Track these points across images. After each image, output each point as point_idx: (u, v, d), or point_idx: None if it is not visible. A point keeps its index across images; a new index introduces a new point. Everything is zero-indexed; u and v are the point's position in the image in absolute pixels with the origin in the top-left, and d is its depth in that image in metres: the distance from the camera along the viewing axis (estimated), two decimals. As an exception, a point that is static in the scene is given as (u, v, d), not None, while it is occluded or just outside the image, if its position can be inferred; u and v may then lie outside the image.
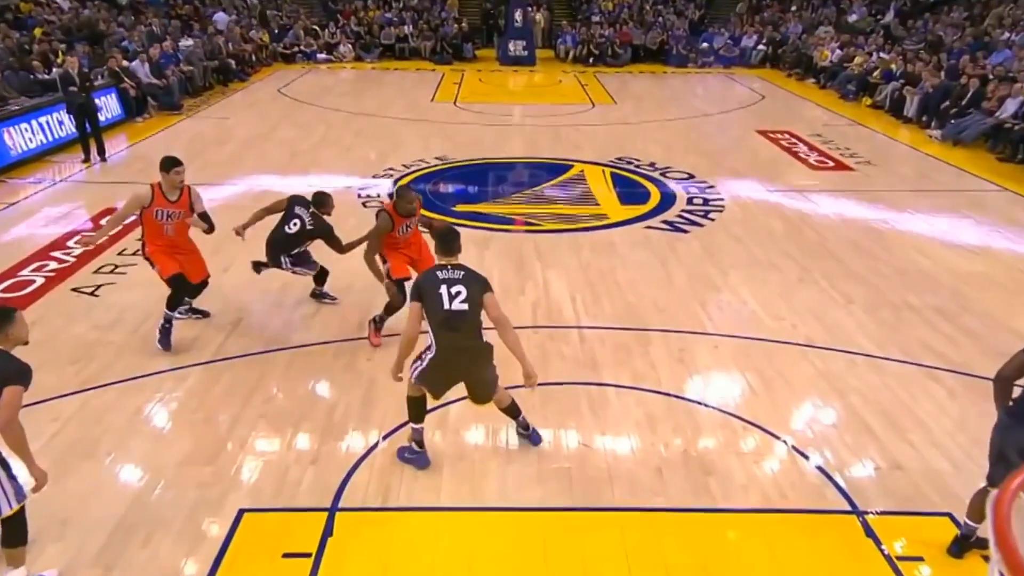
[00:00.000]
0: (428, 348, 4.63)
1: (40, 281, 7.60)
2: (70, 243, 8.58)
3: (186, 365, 6.08)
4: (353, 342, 6.50)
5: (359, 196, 10.60)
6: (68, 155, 12.44)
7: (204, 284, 6.49)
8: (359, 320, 6.95)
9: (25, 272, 7.81)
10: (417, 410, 4.81)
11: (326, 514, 4.44)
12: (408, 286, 5.48)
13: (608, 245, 8.95)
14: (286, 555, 4.11)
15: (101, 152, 12.26)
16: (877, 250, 8.85)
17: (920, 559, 4.19)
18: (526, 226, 9.70)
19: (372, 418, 5.43)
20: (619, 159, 12.60)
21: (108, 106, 14.40)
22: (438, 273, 4.59)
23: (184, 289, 6.27)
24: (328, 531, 4.32)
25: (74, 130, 12.49)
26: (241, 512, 4.46)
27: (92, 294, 7.37)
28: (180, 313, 6.49)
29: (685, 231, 9.45)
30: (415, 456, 4.88)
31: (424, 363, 4.62)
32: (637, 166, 12.22)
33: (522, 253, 8.70)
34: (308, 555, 4.10)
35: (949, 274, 8.15)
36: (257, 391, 5.74)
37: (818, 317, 7.11)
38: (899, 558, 4.17)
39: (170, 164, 5.97)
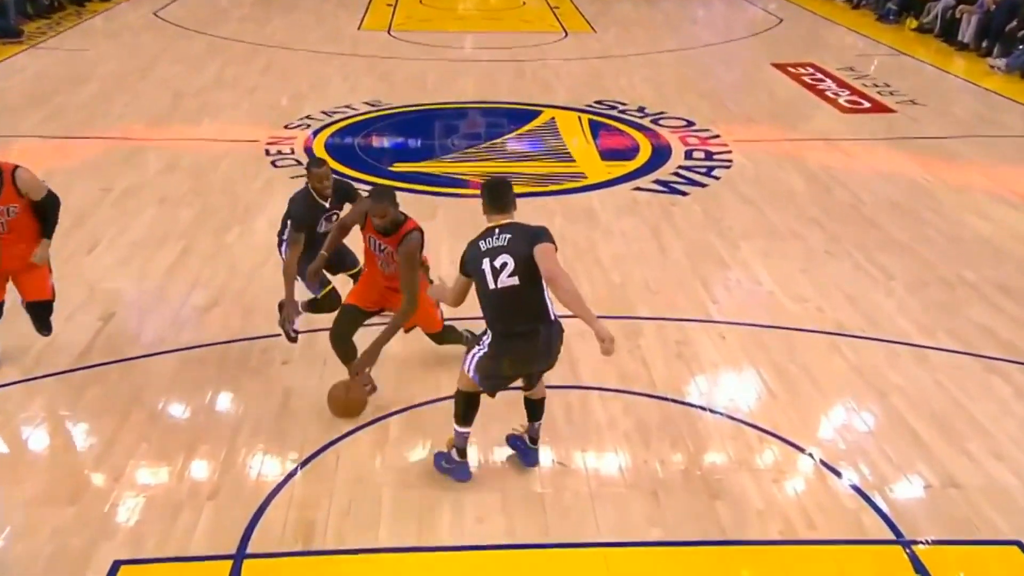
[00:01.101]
0: (484, 335, 4.71)
1: None
2: None
3: (37, 376, 5.95)
4: (263, 340, 6.41)
5: (267, 153, 10.47)
6: None
7: (44, 308, 5.97)
8: (271, 310, 6.85)
9: None
10: (467, 408, 4.89)
11: (230, 563, 4.37)
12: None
13: (587, 212, 8.96)
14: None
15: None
16: (925, 213, 8.99)
17: (981, 598, 4.26)
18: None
19: (289, 437, 5.36)
20: (599, 103, 12.61)
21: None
22: (481, 243, 4.63)
23: None
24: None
25: None
26: (116, 565, 4.35)
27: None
28: None
29: (683, 193, 9.50)
30: (453, 466, 4.95)
31: (482, 350, 4.67)
32: (622, 111, 12.25)
33: (478, 224, 8.59)
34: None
35: (1016, 241, 8.31)
36: (135, 407, 5.63)
37: (851, 298, 7.19)
38: (955, 597, 4.25)
39: None
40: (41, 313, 5.89)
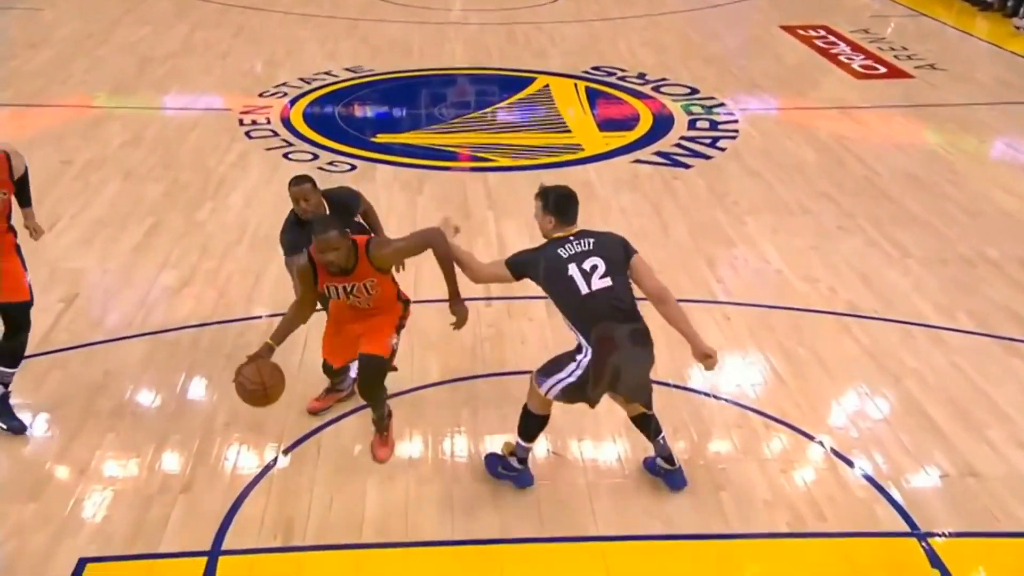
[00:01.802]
0: (579, 351, 4.48)
1: None
2: None
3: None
4: (238, 323, 6.42)
5: (241, 123, 10.44)
6: None
7: (22, 309, 5.25)
8: (246, 292, 6.86)
9: None
10: (537, 428, 4.81)
11: (204, 559, 4.39)
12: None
13: (584, 186, 8.93)
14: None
15: None
16: (944, 186, 9.03)
17: (1001, 593, 4.32)
18: (473, 162, 9.63)
19: (267, 426, 5.37)
20: (596, 69, 12.58)
21: None
22: (559, 251, 4.52)
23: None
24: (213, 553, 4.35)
25: None
26: (82, 563, 4.37)
27: None
28: None
29: (687, 165, 9.51)
30: (514, 473, 4.88)
31: (576, 372, 4.48)
32: (621, 78, 12.22)
33: (468, 199, 8.67)
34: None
35: (1039, 216, 8.36)
36: (101, 395, 5.65)
37: (864, 277, 7.23)
38: (973, 593, 4.30)
39: None
40: (18, 316, 5.21)
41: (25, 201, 5.40)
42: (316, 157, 9.54)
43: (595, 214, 8.28)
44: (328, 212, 5.24)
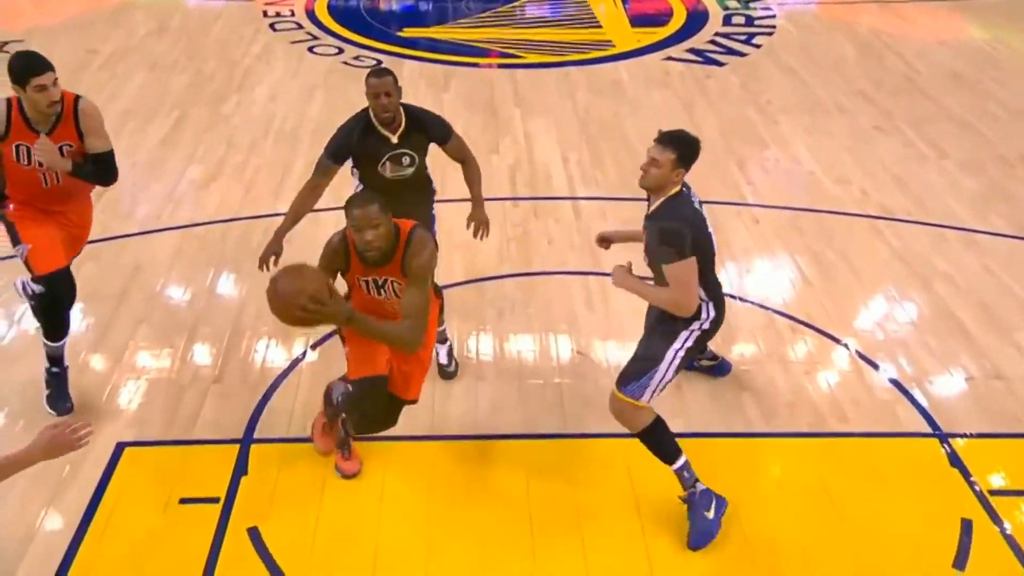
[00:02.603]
0: (697, 316, 4.04)
1: None
2: None
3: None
4: (266, 219, 6.50)
5: (265, 15, 10.38)
6: None
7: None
8: (272, 188, 6.92)
9: None
10: (667, 438, 4.10)
11: (237, 447, 4.55)
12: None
13: (614, 84, 8.89)
14: (185, 500, 4.24)
15: None
16: (988, 84, 8.88)
17: (1022, 493, 4.40)
18: (500, 59, 9.54)
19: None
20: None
21: None
22: (697, 208, 4.03)
23: (68, 294, 4.71)
24: (241, 469, 4.43)
25: None
26: (120, 447, 4.54)
27: None
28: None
29: (720, 63, 9.39)
30: (712, 501, 4.06)
31: (691, 337, 4.08)
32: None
33: (495, 97, 8.62)
34: (215, 500, 4.23)
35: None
36: (134, 287, 5.76)
37: (898, 179, 7.19)
38: (993, 492, 4.38)
39: (25, 71, 4.15)
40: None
41: (87, 175, 4.55)
42: (341, 51, 9.49)
43: (625, 113, 8.26)
44: (406, 127, 4.61)
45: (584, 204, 6.81)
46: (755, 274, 6.06)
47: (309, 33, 9.94)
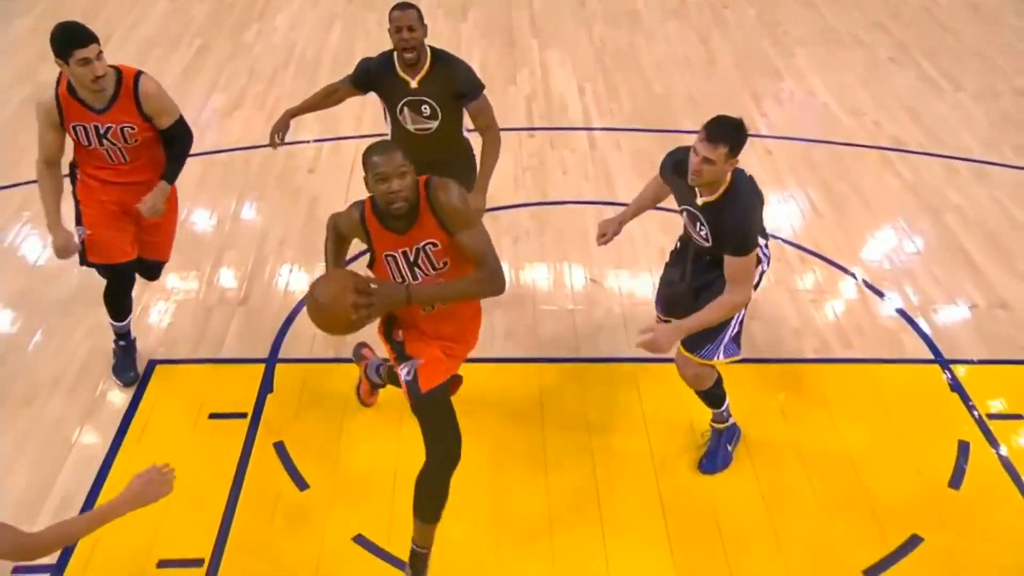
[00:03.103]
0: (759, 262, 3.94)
1: None
2: None
3: (62, 174, 6.10)
4: (287, 146, 6.52)
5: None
6: None
7: (157, 267, 4.67)
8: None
9: None
10: (722, 387, 4.11)
11: (263, 366, 4.67)
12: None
13: (629, 14, 8.83)
14: (213, 415, 4.37)
15: None
16: (1010, 17, 8.78)
17: (1018, 417, 4.49)
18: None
19: (317, 248, 5.51)
20: None
21: None
22: (746, 173, 3.88)
23: (128, 278, 4.49)
24: (267, 386, 4.56)
25: None
26: (152, 364, 4.68)
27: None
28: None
29: (737, -7, 9.29)
30: (734, 430, 4.23)
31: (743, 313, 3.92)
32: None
33: (512, 27, 8.57)
34: (243, 415, 4.36)
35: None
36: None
37: (912, 111, 7.17)
38: (991, 416, 4.47)
39: (67, 43, 3.72)
40: (152, 270, 4.65)
41: (167, 166, 4.24)
42: (361, -20, 9.42)
43: (640, 43, 8.22)
44: (428, 71, 4.20)
45: (599, 135, 6.83)
46: (766, 205, 6.05)
47: (328, -39, 9.86)
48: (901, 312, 5.17)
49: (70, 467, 4.13)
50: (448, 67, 4.23)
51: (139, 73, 4.00)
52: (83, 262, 4.33)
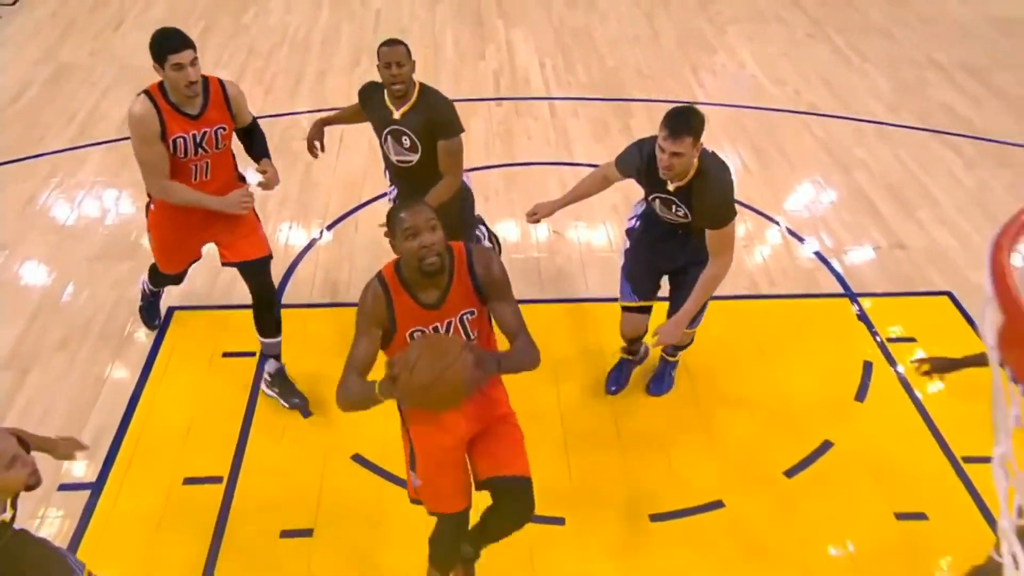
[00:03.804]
0: None
1: None
2: None
3: (83, 144, 6.04)
4: (285, 117, 6.47)
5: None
6: None
7: (263, 264, 4.02)
8: (289, 90, 6.87)
9: None
10: None
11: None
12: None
13: (584, -4, 8.75)
14: (227, 354, 4.38)
15: None
16: (905, -2, 8.79)
17: (912, 340, 4.59)
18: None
19: (312, 206, 5.56)
20: None
21: None
22: (709, 150, 3.63)
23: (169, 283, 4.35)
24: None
25: None
26: (171, 311, 4.67)
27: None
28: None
29: (678, -23, 9.20)
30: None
31: None
32: None
33: (480, 8, 8.47)
34: (252, 354, 4.35)
35: (988, 24, 8.17)
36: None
37: (826, 80, 7.19)
38: (891, 340, 4.57)
39: (162, 48, 3.43)
40: (260, 273, 4.01)
41: (258, 148, 3.99)
42: (344, -32, 9.24)
43: (594, 24, 8.15)
44: (413, 104, 3.87)
45: (559, 104, 6.80)
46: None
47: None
48: (817, 254, 5.23)
49: (103, 400, 4.14)
50: (431, 103, 3.88)
51: (221, 80, 3.71)
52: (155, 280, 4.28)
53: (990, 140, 6.31)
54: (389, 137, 3.95)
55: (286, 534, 3.55)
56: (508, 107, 6.74)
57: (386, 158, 4.08)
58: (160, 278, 4.24)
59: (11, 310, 4.66)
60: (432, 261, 2.56)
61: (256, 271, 3.95)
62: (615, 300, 4.11)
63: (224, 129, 3.66)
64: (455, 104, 3.99)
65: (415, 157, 3.93)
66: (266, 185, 3.89)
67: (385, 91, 3.89)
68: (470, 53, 7.52)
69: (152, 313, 4.54)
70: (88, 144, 6.07)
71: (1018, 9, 8.45)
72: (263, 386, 4.12)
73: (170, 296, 4.73)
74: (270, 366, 4.08)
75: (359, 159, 5.89)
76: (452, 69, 7.30)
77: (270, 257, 3.99)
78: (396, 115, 3.88)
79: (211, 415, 4.06)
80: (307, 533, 3.55)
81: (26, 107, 6.55)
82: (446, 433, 2.79)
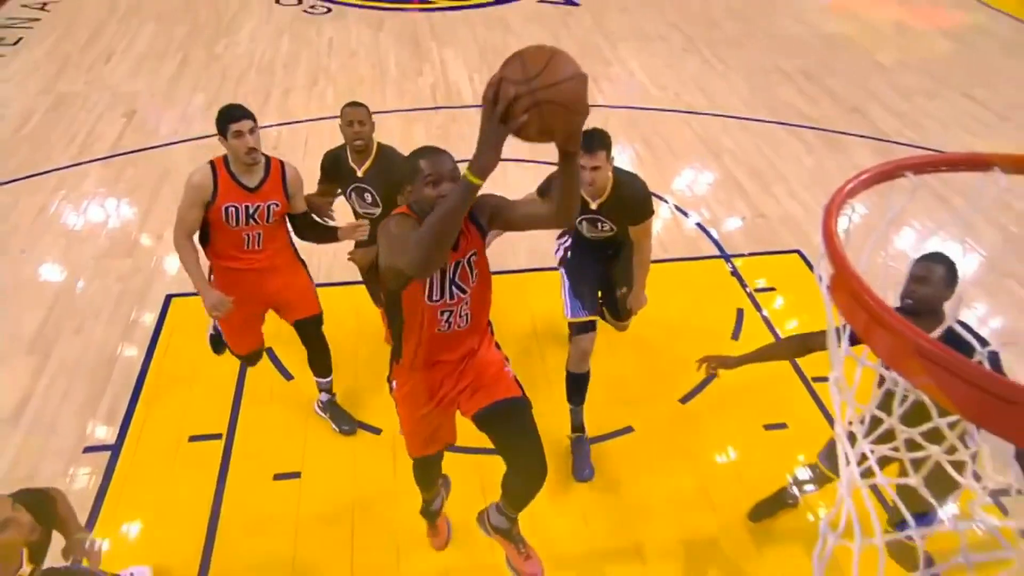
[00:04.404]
0: None
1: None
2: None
3: (84, 161, 5.81)
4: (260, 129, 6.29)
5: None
6: None
7: (315, 322, 3.60)
8: (258, 108, 6.67)
9: None
10: None
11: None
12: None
13: (501, 21, 8.66)
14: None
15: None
16: (755, 16, 8.91)
17: (773, 289, 4.72)
18: (421, 4, 9.18)
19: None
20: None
21: None
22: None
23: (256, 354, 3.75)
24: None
25: None
26: (169, 298, 4.54)
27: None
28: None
29: (576, 3, 9.18)
30: None
31: None
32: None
33: (417, 33, 8.33)
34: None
35: (819, 39, 8.34)
36: (164, 184, 5.58)
37: (699, 85, 7.27)
38: (757, 290, 4.69)
39: (225, 118, 3.13)
40: (312, 330, 3.62)
41: (308, 235, 3.45)
42: (300, 2, 8.98)
43: (511, 43, 8.07)
44: (373, 162, 3.57)
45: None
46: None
47: (275, -11, 9.37)
48: (699, 225, 5.31)
49: (116, 375, 4.02)
50: (390, 161, 3.54)
51: (283, 161, 3.31)
52: (218, 350, 3.89)
53: (825, 130, 6.48)
54: (353, 193, 3.65)
55: (279, 476, 3.53)
56: (444, 115, 6.66)
57: (354, 210, 3.74)
58: (221, 349, 3.81)
59: (32, 302, 4.48)
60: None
61: (310, 328, 3.58)
62: (543, 269, 4.06)
63: (277, 206, 3.25)
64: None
65: (377, 211, 3.62)
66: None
67: (348, 151, 3.57)
68: (410, 71, 7.40)
69: (219, 345, 3.91)
70: (88, 160, 5.82)
71: (841, 26, 8.67)
72: (316, 408, 3.81)
73: (168, 284, 4.60)
74: (323, 397, 3.79)
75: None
76: (396, 85, 7.18)
77: (320, 315, 3.58)
78: (359, 172, 3.56)
79: (209, 383, 3.98)
80: (296, 476, 3.53)
81: (32, 132, 6.24)
82: (428, 404, 2.46)
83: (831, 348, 1.57)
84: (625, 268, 3.56)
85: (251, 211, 3.21)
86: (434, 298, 2.28)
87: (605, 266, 3.61)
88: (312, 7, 8.84)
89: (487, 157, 1.82)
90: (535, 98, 1.78)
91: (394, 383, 2.55)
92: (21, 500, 2.23)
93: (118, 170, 5.70)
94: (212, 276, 3.41)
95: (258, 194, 3.20)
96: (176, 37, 8.01)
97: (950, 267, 2.54)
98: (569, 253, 3.63)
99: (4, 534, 2.12)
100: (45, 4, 8.47)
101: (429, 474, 2.84)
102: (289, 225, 3.37)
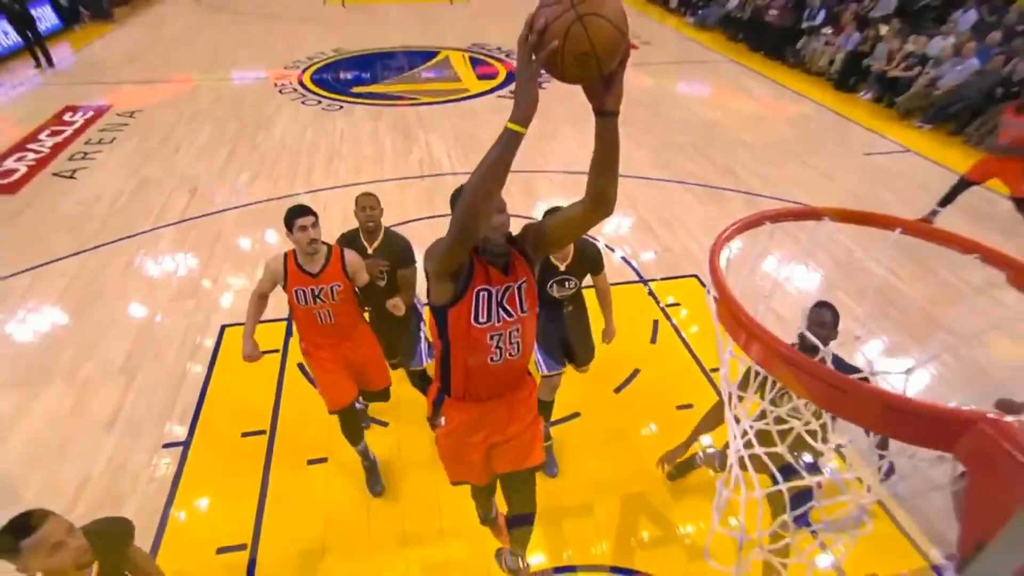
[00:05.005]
0: None
1: (23, 169, 6.70)
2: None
3: (160, 226, 5.69)
4: (287, 199, 6.22)
5: (275, 86, 9.64)
6: (18, 62, 10.40)
7: (386, 393, 3.38)
8: (290, 181, 6.62)
9: (8, 163, 6.84)
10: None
11: (285, 323, 4.49)
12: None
13: (471, 112, 8.73)
14: (266, 351, 4.11)
15: (48, 60, 10.34)
16: (658, 107, 9.10)
17: (678, 304, 4.77)
18: (408, 101, 9.23)
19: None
20: (475, 45, 11.90)
21: (45, 16, 11.89)
22: None
23: (355, 417, 3.25)
24: (288, 332, 4.43)
25: (19, 40, 10.41)
26: (223, 327, 4.45)
27: (71, 177, 6.60)
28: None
29: (527, 99, 9.28)
30: None
31: None
32: (488, 52, 11.61)
33: (407, 123, 8.36)
34: (276, 350, 4.22)
35: (701, 122, 8.54)
36: (219, 244, 5.48)
37: (624, 155, 7.34)
38: (667, 306, 4.74)
39: (291, 216, 2.93)
40: (382, 398, 3.41)
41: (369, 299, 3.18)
42: (320, 102, 8.96)
43: (479, 129, 8.14)
44: (381, 242, 3.31)
45: (461, 176, 6.76)
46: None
47: (301, 94, 9.30)
48: (623, 258, 5.35)
49: (185, 389, 3.92)
50: (395, 241, 3.31)
51: (343, 249, 3.07)
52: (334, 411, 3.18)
53: (709, 186, 6.61)
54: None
55: (311, 462, 3.44)
56: (429, 181, 6.65)
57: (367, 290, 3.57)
58: (345, 428, 3.24)
59: (121, 336, 4.35)
60: (495, 255, 1.90)
61: (380, 396, 3.35)
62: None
63: (339, 286, 2.99)
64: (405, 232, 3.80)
65: (382, 282, 3.35)
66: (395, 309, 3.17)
67: (360, 232, 3.31)
68: (402, 151, 7.41)
69: (374, 476, 3.38)
70: (163, 225, 5.70)
71: (715, 114, 8.89)
72: (363, 462, 3.35)
73: (223, 316, 4.50)
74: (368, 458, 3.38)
75: (335, 225, 5.72)
76: (391, 161, 7.18)
77: (389, 386, 3.29)
78: (370, 250, 3.30)
79: (255, 392, 3.88)
80: (324, 460, 3.45)
81: (122, 206, 6.07)
82: (473, 435, 2.00)
83: (719, 350, 1.58)
84: (579, 321, 3.37)
85: (316, 292, 2.99)
86: (480, 320, 1.81)
87: (564, 323, 3.37)
88: (328, 106, 8.84)
89: (523, 97, 1.43)
90: (577, 12, 1.34)
91: (442, 419, 2.02)
92: (89, 527, 1.89)
93: (184, 233, 5.59)
94: (306, 359, 3.12)
95: (320, 278, 2.97)
96: (227, 132, 7.92)
97: (835, 312, 2.58)
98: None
99: (54, 557, 1.76)
100: (132, 113, 8.33)
101: (478, 499, 2.47)
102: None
